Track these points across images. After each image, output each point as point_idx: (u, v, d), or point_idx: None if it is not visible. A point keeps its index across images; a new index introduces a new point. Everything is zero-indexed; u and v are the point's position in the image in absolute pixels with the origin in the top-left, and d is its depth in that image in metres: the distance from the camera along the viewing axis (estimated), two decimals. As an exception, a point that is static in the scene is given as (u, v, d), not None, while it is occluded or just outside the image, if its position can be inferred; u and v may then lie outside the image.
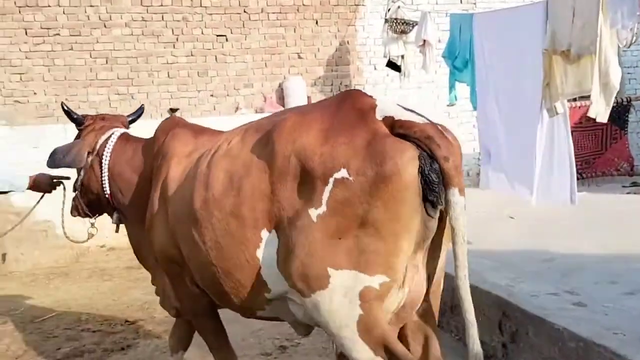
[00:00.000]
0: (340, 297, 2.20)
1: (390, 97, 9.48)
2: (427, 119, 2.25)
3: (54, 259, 7.66)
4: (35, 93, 8.28)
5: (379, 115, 2.25)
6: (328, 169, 2.18)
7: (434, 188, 2.13)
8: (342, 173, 2.15)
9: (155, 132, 3.36)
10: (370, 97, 2.35)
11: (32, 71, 8.24)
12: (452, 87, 6.80)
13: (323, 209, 2.18)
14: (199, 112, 8.84)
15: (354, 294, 2.19)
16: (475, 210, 7.16)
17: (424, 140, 2.14)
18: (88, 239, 3.76)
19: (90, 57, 8.47)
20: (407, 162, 2.11)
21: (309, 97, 9.05)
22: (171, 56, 8.75)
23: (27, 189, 3.86)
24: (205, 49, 8.86)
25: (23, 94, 8.24)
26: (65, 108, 3.77)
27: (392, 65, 8.53)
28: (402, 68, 8.46)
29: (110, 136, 3.51)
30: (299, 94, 8.90)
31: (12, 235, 7.45)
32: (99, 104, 8.47)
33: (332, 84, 9.36)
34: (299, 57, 9.20)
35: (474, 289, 4.17)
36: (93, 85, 8.51)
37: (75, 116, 3.72)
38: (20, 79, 8.24)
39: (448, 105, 9.61)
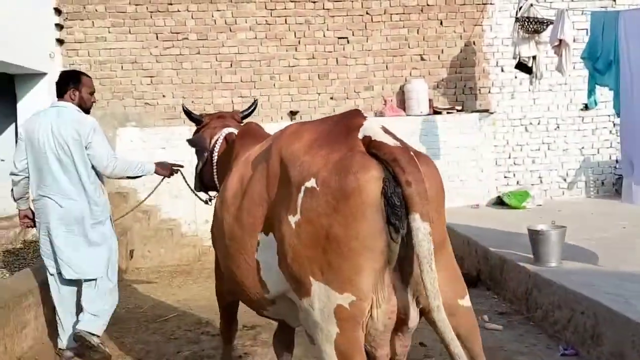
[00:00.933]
0: (319, 309, 2.19)
1: (519, 101, 9.01)
2: (401, 144, 2.23)
3: (178, 257, 7.91)
4: (164, 95, 8.59)
5: (360, 134, 2.26)
6: (302, 177, 2.25)
7: (397, 212, 2.09)
8: (312, 182, 2.20)
9: (236, 138, 3.61)
10: (363, 117, 2.37)
11: (161, 74, 8.56)
12: (592, 90, 6.25)
13: (298, 216, 2.23)
14: (318, 115, 8.79)
15: (330, 310, 2.16)
16: (616, 225, 6.58)
17: (390, 163, 2.13)
18: (208, 200, 4.23)
19: (216, 60, 8.66)
20: (368, 180, 2.11)
21: (430, 100, 8.75)
22: (293, 59, 8.77)
23: (154, 172, 4.54)
24: (326, 51, 8.81)
25: (153, 97, 8.58)
26: (185, 109, 4.24)
27: (522, 67, 8.02)
28: (533, 69, 7.93)
29: (219, 137, 3.88)
30: (421, 97, 8.62)
31: (140, 233, 7.81)
32: (222, 107, 8.62)
33: (455, 87, 8.99)
34: (422, 59, 8.92)
35: (620, 317, 3.77)
36: (217, 88, 8.70)
37: (194, 116, 4.17)
38: (151, 82, 8.59)
39: (582, 110, 9.02)
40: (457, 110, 8.78)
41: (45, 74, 7.86)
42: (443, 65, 8.96)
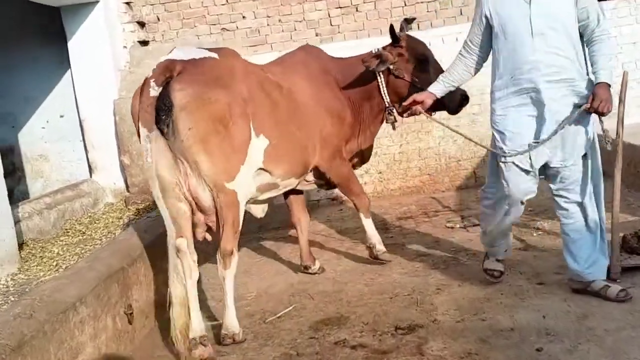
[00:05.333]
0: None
1: None
2: (154, 72, 3.19)
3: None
4: (243, 17, 6.84)
5: None
6: None
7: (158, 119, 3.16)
8: None
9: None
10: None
11: (238, -10, 6.78)
12: None
13: None
14: (440, 20, 6.78)
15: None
16: None
17: None
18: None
19: (304, -37, 6.78)
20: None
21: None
22: (402, -50, 6.73)
23: None
24: None
25: (230, 20, 6.85)
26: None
27: None
28: None
29: None
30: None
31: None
32: (317, 23, 6.80)
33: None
34: None
35: None
36: (309, 0, 6.83)
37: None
38: (226, 2, 6.83)
39: None
40: (631, -8, 6.49)
41: (96, 1, 6.26)
42: None
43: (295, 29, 6.80)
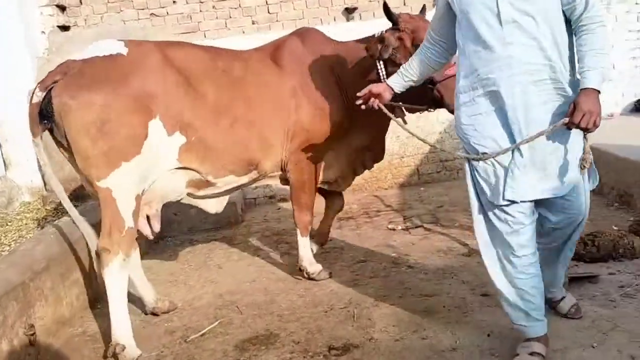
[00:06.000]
0: None
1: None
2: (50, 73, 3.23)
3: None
4: (174, 2, 6.40)
5: None
6: None
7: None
8: None
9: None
10: None
11: (168, -28, 6.33)
12: None
13: None
14: (380, 11, 6.49)
15: None
16: None
17: None
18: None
19: (240, -54, 6.38)
20: None
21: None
22: None
23: None
24: None
25: (160, 4, 6.39)
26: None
27: None
28: None
29: None
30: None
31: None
32: (254, 10, 6.42)
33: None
34: None
35: None
36: (245, -15, 6.44)
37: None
38: (156, -15, 6.37)
39: None
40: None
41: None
42: None
43: (230, 16, 6.41)
